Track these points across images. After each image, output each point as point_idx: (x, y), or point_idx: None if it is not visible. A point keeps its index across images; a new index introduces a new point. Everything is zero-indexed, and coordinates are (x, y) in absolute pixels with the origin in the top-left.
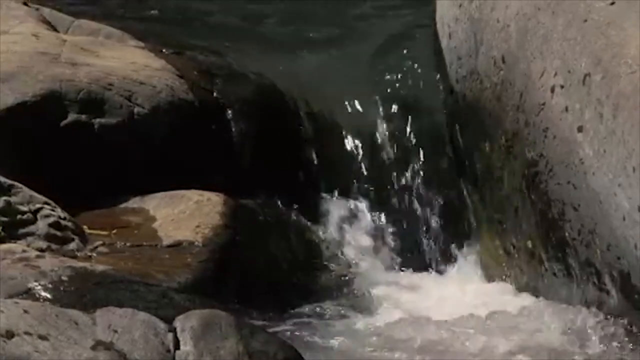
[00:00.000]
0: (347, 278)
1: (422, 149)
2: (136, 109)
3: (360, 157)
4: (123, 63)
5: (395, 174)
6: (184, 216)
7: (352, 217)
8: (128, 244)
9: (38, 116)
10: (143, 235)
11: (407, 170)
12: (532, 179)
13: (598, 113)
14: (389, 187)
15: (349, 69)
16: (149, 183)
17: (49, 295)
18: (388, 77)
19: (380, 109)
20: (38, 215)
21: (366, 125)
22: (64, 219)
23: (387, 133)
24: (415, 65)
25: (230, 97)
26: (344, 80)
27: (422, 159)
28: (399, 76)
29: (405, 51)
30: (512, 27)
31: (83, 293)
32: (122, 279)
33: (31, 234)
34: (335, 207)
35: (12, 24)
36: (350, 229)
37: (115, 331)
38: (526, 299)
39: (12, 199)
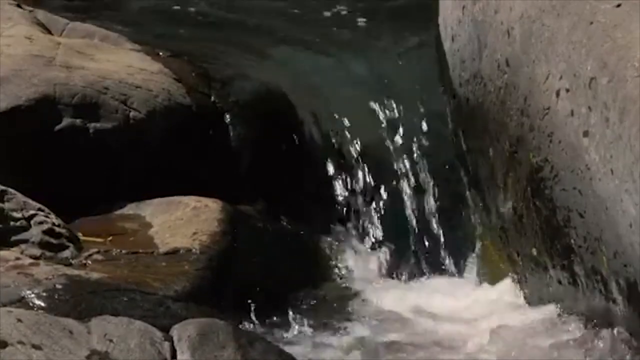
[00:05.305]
0: (346, 287)
1: (424, 154)
2: (132, 113)
3: (361, 162)
4: (119, 66)
5: (397, 180)
6: (181, 223)
7: (352, 224)
8: (124, 252)
9: (32, 120)
10: (139, 242)
11: (409, 176)
12: (536, 184)
13: (604, 117)
14: (391, 193)
15: (350, 72)
16: (145, 189)
17: (43, 304)
18: (389, 81)
19: (382, 114)
20: (32, 222)
21: (368, 130)
22: (59, 225)
23: (389, 138)
24: (417, 68)
25: (228, 101)
26: (344, 84)
27: (425, 164)
28: (401, 80)
29: (407, 54)
30: (517, 30)
31: (78, 301)
32: (118, 287)
33: (25, 240)
34: (336, 214)
35: (5, 26)
36: (350, 236)
37: (111, 340)
38: (530, 307)
39: (6, 205)
